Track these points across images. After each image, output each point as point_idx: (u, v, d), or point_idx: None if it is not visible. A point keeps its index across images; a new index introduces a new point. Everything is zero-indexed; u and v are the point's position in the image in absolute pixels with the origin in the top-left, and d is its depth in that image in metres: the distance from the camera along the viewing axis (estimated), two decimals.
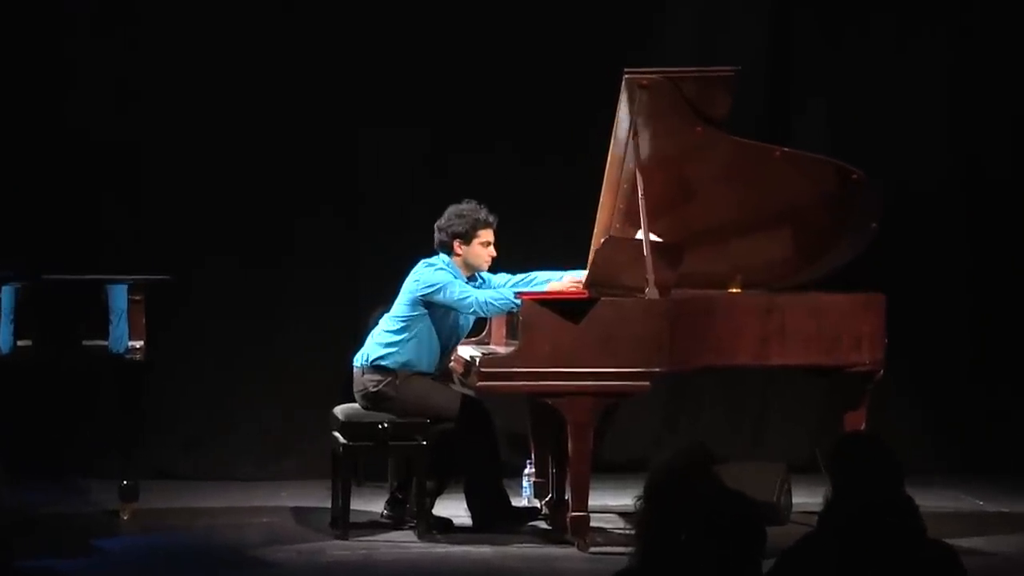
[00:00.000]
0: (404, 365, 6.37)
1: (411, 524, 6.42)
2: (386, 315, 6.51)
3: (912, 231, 8.04)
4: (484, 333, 6.83)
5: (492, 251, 6.43)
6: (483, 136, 7.84)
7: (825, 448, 5.94)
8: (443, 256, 6.42)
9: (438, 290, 6.30)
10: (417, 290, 6.36)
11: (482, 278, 6.49)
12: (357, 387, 6.44)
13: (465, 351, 6.55)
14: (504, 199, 7.14)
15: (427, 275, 6.35)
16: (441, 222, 6.44)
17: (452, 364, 6.67)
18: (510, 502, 6.50)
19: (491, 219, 6.42)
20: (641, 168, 6.14)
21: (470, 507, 6.45)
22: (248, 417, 7.82)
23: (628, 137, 6.20)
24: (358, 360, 6.45)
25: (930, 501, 6.90)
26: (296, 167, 7.83)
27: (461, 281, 6.35)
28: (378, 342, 6.42)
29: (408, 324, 6.37)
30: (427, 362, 6.41)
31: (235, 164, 7.80)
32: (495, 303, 6.27)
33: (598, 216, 6.44)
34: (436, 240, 6.45)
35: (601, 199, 6.43)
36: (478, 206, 6.42)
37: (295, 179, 7.84)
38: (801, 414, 8.02)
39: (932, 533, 3.22)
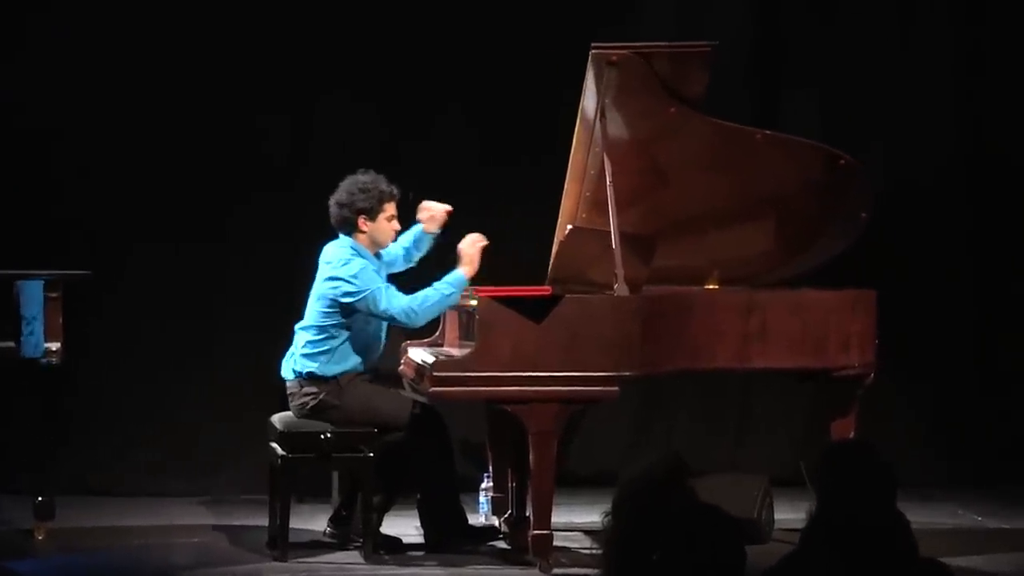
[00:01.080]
0: (342, 371, 6.31)
1: (357, 543, 6.38)
2: (304, 324, 6.39)
3: (908, 222, 8.06)
4: (437, 334, 6.80)
5: (396, 224, 6.39)
6: (442, 120, 7.80)
7: (811, 459, 5.96)
8: (348, 240, 6.34)
9: (360, 299, 6.20)
10: (337, 296, 6.26)
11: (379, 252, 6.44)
12: (295, 401, 6.37)
13: (417, 354, 6.52)
14: (463, 187, 7.13)
15: (345, 276, 6.21)
16: (341, 197, 6.35)
17: (402, 368, 6.64)
18: (467, 519, 6.48)
19: (395, 190, 6.36)
20: (609, 152, 6.13)
21: (423, 524, 6.43)
22: (178, 427, 7.76)
23: (595, 119, 6.18)
24: (288, 372, 6.38)
25: (925, 516, 6.93)
26: (233, 152, 7.76)
27: (384, 286, 6.24)
28: (305, 354, 6.33)
29: (331, 333, 6.29)
30: (365, 361, 6.35)
31: (163, 148, 7.73)
32: (422, 312, 6.18)
33: (562, 205, 6.42)
34: (336, 217, 6.35)
35: (566, 186, 6.41)
36: (377, 176, 6.37)
37: (232, 166, 7.76)
38: (785, 422, 8.02)
39: (927, 551, 3.21)
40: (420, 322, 6.27)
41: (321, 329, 6.31)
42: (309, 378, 6.31)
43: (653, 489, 3.08)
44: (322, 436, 6.23)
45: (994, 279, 8.17)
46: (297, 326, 6.42)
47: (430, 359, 6.20)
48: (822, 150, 6.49)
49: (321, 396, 6.28)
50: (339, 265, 6.27)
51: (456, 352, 6.44)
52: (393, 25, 7.82)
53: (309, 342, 6.33)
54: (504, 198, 7.71)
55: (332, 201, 6.36)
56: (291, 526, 6.29)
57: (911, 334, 7.87)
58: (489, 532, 6.54)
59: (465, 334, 6.50)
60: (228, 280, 7.82)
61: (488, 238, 7.15)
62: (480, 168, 7.80)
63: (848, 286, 6.43)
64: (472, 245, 6.26)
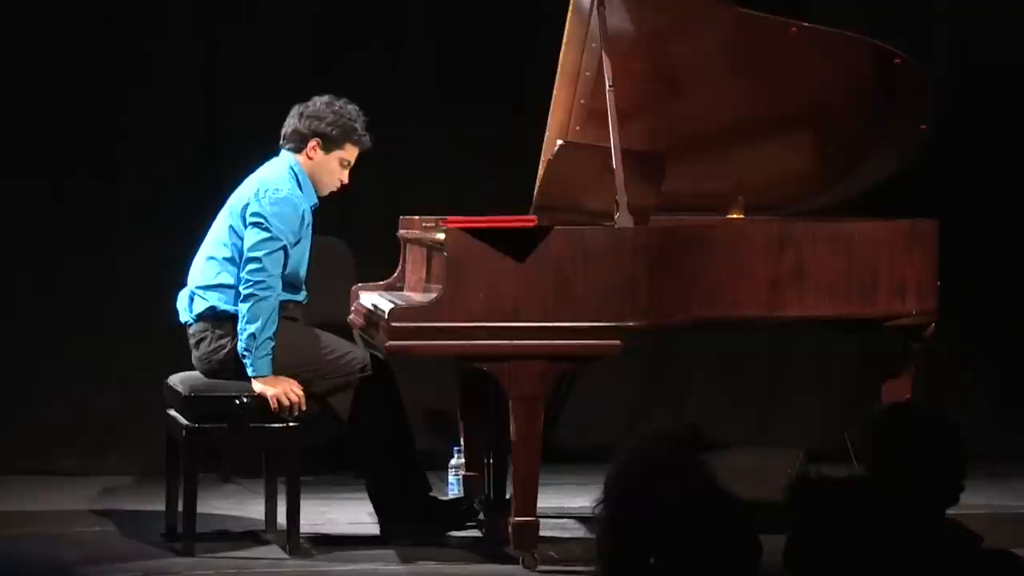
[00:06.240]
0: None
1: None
2: (211, 253, 6.37)
3: (978, 136, 8.11)
4: (396, 274, 6.85)
5: (345, 176, 6.44)
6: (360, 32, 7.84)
7: (857, 429, 6.03)
8: (290, 158, 6.38)
9: (264, 239, 6.21)
10: (245, 227, 6.27)
11: None
12: (200, 350, 6.31)
13: (369, 299, 6.57)
14: (424, 96, 7.15)
15: (266, 214, 6.22)
16: (307, 110, 6.40)
17: (352, 316, 6.69)
18: (434, 495, 6.49)
19: (368, 139, 6.42)
20: (610, 50, 6.16)
21: (377, 507, 6.45)
22: (68, 392, 7.83)
23: (592, 7, 6.21)
24: (188, 314, 6.35)
25: (995, 498, 7.04)
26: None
27: (287, 247, 6.26)
28: (208, 285, 6.30)
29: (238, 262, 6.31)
30: (300, 292, 6.41)
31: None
32: (256, 309, 6.13)
33: (551, 116, 6.44)
34: (289, 128, 6.40)
35: (555, 93, 6.43)
36: (359, 112, 6.42)
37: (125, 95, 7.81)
38: (825, 384, 8.10)
39: (996, 540, 3.27)
40: (252, 306, 6.16)
41: (231, 260, 6.30)
42: (218, 318, 6.31)
43: (653, 466, 3.13)
44: (236, 401, 6.20)
45: None
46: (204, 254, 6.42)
47: (386, 306, 6.24)
48: (872, 46, 6.52)
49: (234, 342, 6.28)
50: (267, 194, 6.29)
51: (419, 297, 6.48)
52: None
53: (218, 273, 6.32)
54: (479, 106, 7.74)
55: (295, 111, 6.43)
56: (223, 513, 6.27)
57: (978, 278, 7.93)
58: (466, 512, 6.53)
59: (430, 275, 6.54)
60: (116, 223, 7.89)
61: (458, 155, 7.21)
62: (448, 69, 7.82)
63: (904, 216, 6.49)
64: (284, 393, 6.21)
